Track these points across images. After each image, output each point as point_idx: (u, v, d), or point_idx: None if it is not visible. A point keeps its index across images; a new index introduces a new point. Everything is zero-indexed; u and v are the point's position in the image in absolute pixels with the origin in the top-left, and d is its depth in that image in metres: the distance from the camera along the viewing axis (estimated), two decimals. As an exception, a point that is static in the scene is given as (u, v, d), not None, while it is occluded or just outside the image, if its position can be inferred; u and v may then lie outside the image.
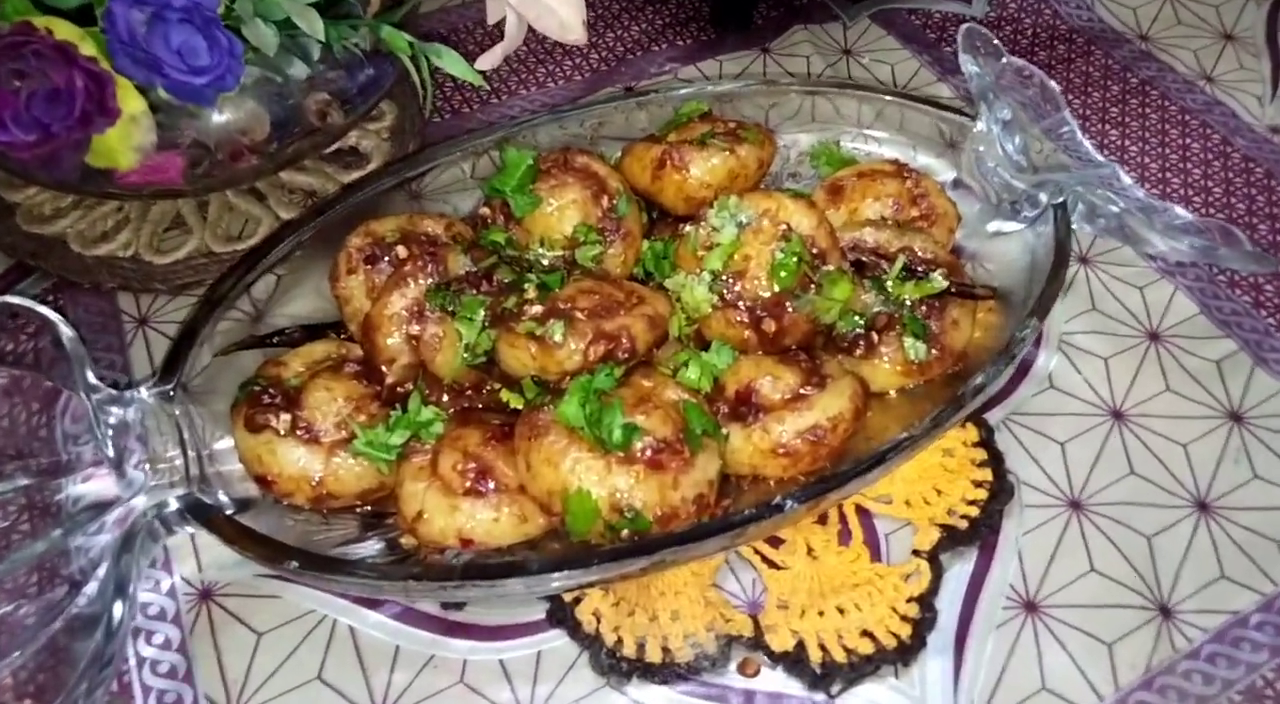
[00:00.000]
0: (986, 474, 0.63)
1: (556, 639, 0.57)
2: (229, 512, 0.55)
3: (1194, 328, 0.72)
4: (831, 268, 0.60)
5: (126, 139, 0.54)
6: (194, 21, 0.54)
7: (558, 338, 0.53)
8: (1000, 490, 0.63)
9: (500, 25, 0.68)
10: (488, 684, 0.55)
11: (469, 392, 0.59)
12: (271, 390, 0.58)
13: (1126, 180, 0.75)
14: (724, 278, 0.59)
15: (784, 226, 0.60)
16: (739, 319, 0.59)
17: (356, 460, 0.56)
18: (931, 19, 0.96)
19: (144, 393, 0.57)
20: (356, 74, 0.71)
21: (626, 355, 0.55)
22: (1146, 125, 0.87)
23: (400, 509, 0.55)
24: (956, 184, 0.75)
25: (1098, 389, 0.69)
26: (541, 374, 0.55)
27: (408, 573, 0.49)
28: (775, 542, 0.61)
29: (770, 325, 0.59)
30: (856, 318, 0.62)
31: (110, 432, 0.57)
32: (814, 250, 0.60)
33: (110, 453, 0.56)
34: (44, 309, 0.58)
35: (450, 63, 0.64)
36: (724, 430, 0.57)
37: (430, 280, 0.58)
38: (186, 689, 0.55)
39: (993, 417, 0.67)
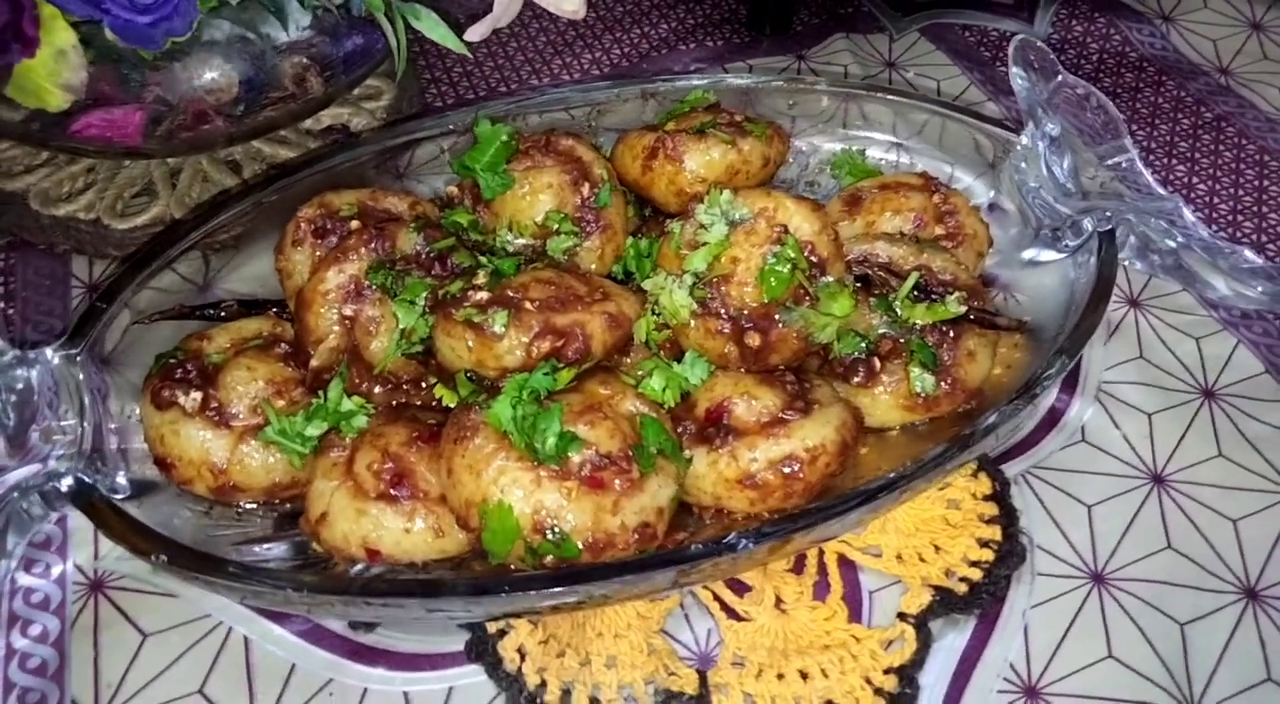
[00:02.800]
0: (995, 533, 0.54)
1: (473, 675, 0.50)
2: (122, 495, 0.49)
3: (1257, 388, 0.63)
4: (831, 280, 0.53)
5: (54, 76, 0.49)
6: (139, -48, 0.48)
7: (498, 328, 0.47)
8: (1009, 553, 0.54)
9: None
10: (387, 720, 0.48)
11: (406, 385, 0.52)
12: (189, 365, 0.52)
13: (1189, 217, 0.66)
14: (707, 282, 0.52)
15: (780, 229, 0.52)
16: (720, 329, 0.52)
17: (268, 450, 0.50)
18: (988, 36, 0.88)
19: (50, 354, 0.51)
20: (342, 41, 0.66)
21: (577, 356, 0.48)
22: (1219, 163, 0.78)
23: (306, 508, 0.48)
24: (993, 207, 0.67)
25: (1137, 448, 0.59)
26: (478, 369, 0.48)
27: (288, 581, 0.42)
28: (740, 588, 0.53)
29: (755, 339, 0.51)
30: (858, 340, 0.54)
31: (12, 396, 0.51)
32: (813, 258, 0.52)
33: (9, 415, 0.50)
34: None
35: (428, 25, 0.58)
36: (687, 453, 0.50)
37: (375, 258, 0.52)
38: (53, 689, 0.49)
39: (1011, 468, 0.58)
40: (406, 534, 0.46)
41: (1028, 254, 0.64)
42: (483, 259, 0.53)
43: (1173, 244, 0.59)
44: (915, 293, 0.55)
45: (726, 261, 0.52)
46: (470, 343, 0.47)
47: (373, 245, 0.52)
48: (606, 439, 0.46)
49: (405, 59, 0.59)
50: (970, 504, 0.56)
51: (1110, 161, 0.67)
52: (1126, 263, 0.61)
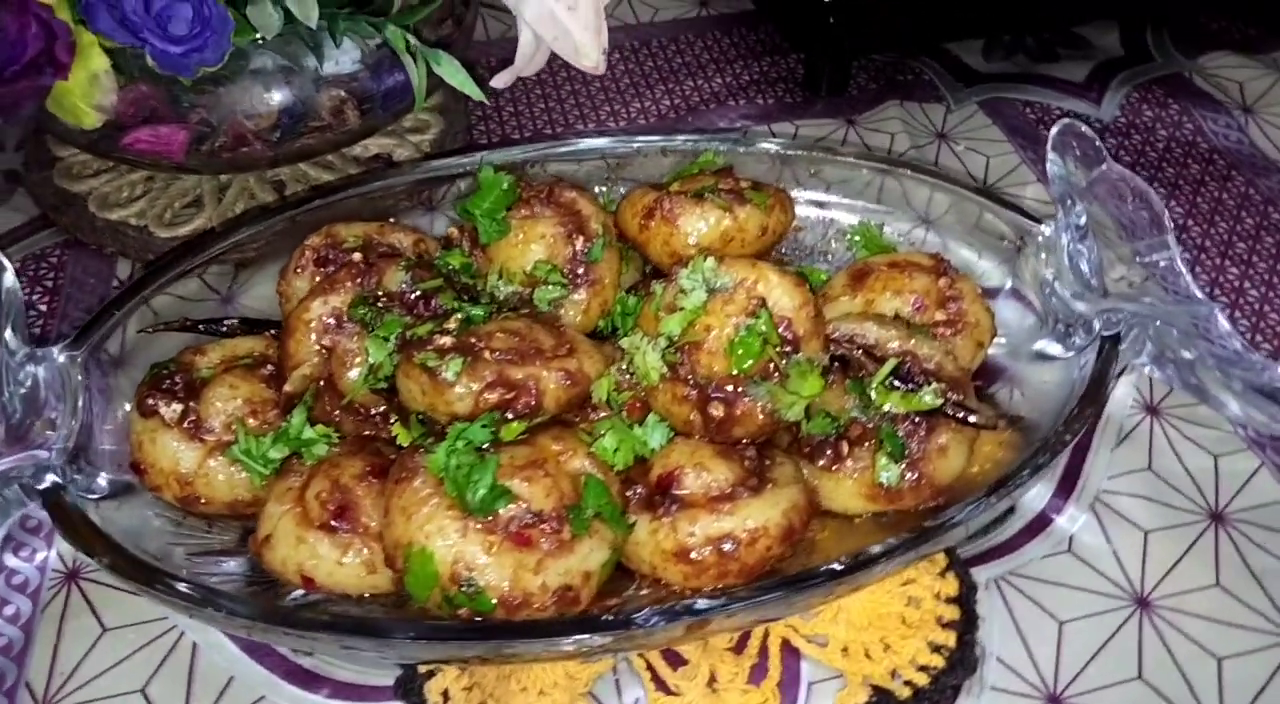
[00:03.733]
0: (950, 639, 0.52)
1: (395, 712, 0.50)
2: (99, 494, 0.52)
3: (1273, 517, 0.58)
4: (803, 358, 0.52)
5: (87, 97, 0.53)
6: (178, -11, 0.52)
7: (449, 375, 0.48)
8: (960, 662, 0.51)
9: (564, 61, 0.64)
10: (306, 745, 0.49)
11: (375, 417, 0.54)
12: (178, 377, 0.54)
13: (1224, 326, 0.62)
14: (680, 346, 0.52)
15: (758, 301, 0.52)
16: (686, 396, 0.52)
17: (233, 466, 0.52)
18: (1049, 115, 0.86)
19: (56, 353, 0.54)
20: (382, 77, 0.68)
21: (527, 410, 0.48)
22: (1277, 269, 0.73)
23: (256, 528, 0.50)
24: (1013, 293, 0.65)
25: (1126, 566, 0.56)
26: (430, 412, 0.49)
27: (205, 599, 0.44)
28: (675, 660, 0.52)
29: (718, 409, 0.51)
30: (829, 421, 0.53)
31: (21, 390, 0.55)
32: (788, 334, 0.52)
33: (11, 405, 0.54)
34: (2, 258, 0.58)
35: (448, 71, 0.60)
36: (632, 518, 0.49)
37: (360, 293, 0.54)
38: (13, 669, 0.52)
39: (985, 571, 0.56)
40: (339, 566, 0.48)
41: (1038, 347, 0.61)
42: (463, 304, 0.54)
43: (1188, 356, 0.56)
44: (893, 379, 0.53)
45: (700, 328, 0.52)
46: (424, 386, 0.48)
47: (360, 280, 0.54)
48: (541, 497, 0.46)
49: (423, 98, 0.61)
50: (931, 604, 0.54)
51: (1147, 259, 0.64)
52: (1146, 369, 0.58)
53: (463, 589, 0.44)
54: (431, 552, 0.44)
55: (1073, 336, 0.59)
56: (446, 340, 0.50)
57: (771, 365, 0.51)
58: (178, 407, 0.53)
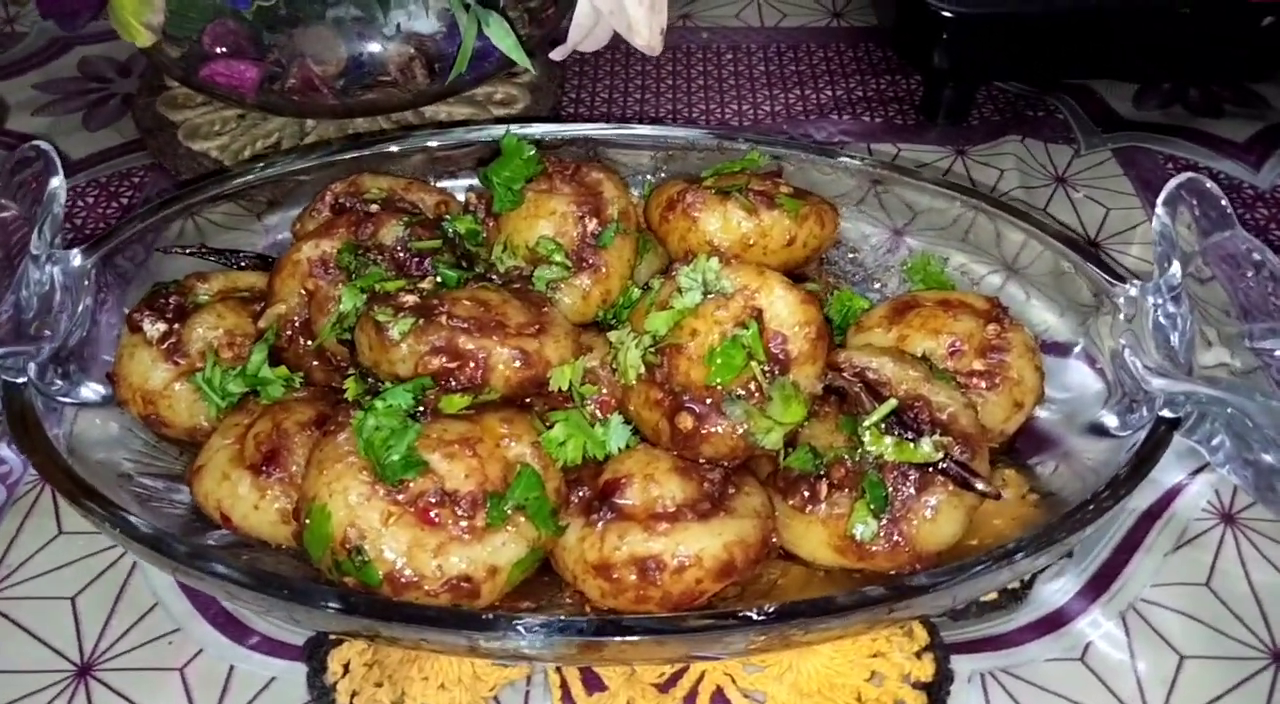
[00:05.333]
0: (905, 727, 0.45)
1: (296, 673, 0.48)
2: (78, 400, 0.53)
3: (1353, 671, 0.48)
4: (790, 381, 0.46)
5: (137, 15, 0.55)
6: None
7: (394, 333, 0.45)
8: (908, 757, 0.44)
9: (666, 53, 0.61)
10: (201, 686, 0.48)
11: (345, 367, 0.52)
12: (174, 298, 0.55)
13: (1338, 435, 0.52)
14: (661, 347, 0.48)
15: (754, 311, 0.47)
16: (658, 400, 0.47)
17: (195, 393, 0.51)
18: (1195, 172, 0.75)
19: (72, 256, 0.56)
20: (459, 40, 0.67)
21: (470, 383, 0.45)
22: None
23: (194, 457, 0.49)
24: (1085, 356, 0.57)
25: (1147, 691, 0.47)
26: (374, 369, 0.47)
27: (116, 522, 0.43)
28: (595, 684, 0.48)
29: (686, 422, 0.46)
30: (811, 456, 0.48)
31: (39, 285, 0.56)
32: (779, 353, 0.47)
33: (28, 302, 0.56)
34: (55, 160, 0.60)
35: (497, 34, 0.58)
36: (565, 521, 0.45)
37: (350, 242, 0.52)
38: (-30, 558, 0.53)
39: (970, 661, 0.48)
40: (254, 510, 0.46)
41: (1096, 418, 0.53)
42: (453, 271, 0.51)
43: (1269, 459, 0.47)
44: (890, 423, 0.47)
45: (685, 331, 0.47)
46: (371, 341, 0.46)
47: (358, 230, 0.53)
48: (460, 476, 0.43)
49: (466, 58, 0.59)
50: (895, 685, 0.47)
51: (1260, 344, 0.55)
52: (1226, 470, 0.49)
53: (351, 556, 0.41)
54: (330, 510, 0.42)
55: (1135, 412, 0.51)
56: (410, 299, 0.48)
57: (754, 384, 0.46)
58: (162, 326, 0.53)
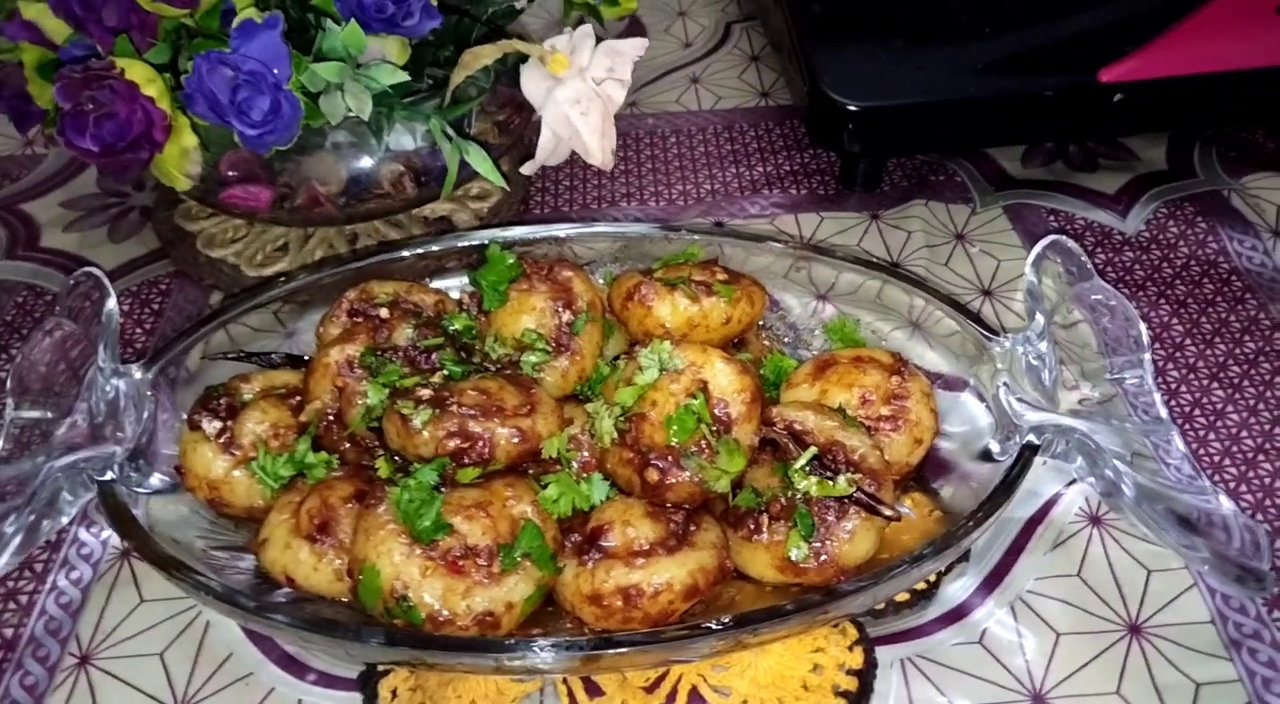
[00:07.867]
0: (840, 706, 0.57)
1: (353, 701, 0.59)
2: (148, 490, 0.64)
3: (1191, 636, 0.61)
4: (732, 438, 0.59)
5: (179, 166, 0.66)
6: (257, 84, 0.64)
7: (417, 423, 0.57)
8: (844, 730, 0.57)
9: (619, 146, 0.73)
10: (276, 718, 0.59)
11: (373, 448, 0.64)
12: (224, 399, 0.66)
13: (1179, 448, 0.66)
14: (629, 416, 0.60)
15: (701, 383, 0.59)
16: (630, 459, 0.59)
17: (252, 478, 0.63)
18: (1072, 224, 0.89)
19: (134, 370, 0.67)
20: (438, 155, 0.79)
21: (479, 459, 0.57)
22: (1266, 395, 0.74)
23: (258, 531, 0.60)
24: (976, 392, 0.70)
25: (1031, 664, 0.60)
26: (402, 452, 0.58)
27: (197, 584, 0.54)
28: (594, 690, 0.59)
29: (653, 475, 0.58)
30: (755, 496, 0.60)
31: (109, 396, 0.67)
32: (723, 416, 0.59)
33: (97, 408, 0.67)
34: (108, 285, 0.71)
35: (476, 160, 0.70)
36: (562, 562, 0.57)
37: (370, 345, 0.64)
38: (69, 622, 0.64)
39: (892, 650, 0.61)
40: (314, 571, 0.57)
41: (985, 447, 0.66)
42: (450, 363, 0.63)
43: (1109, 474, 0.60)
44: (813, 465, 0.59)
45: (648, 402, 0.60)
46: (398, 430, 0.58)
47: (374, 334, 0.65)
48: (478, 533, 0.55)
49: (452, 183, 0.71)
50: (832, 673, 0.59)
51: (1118, 376, 0.68)
52: (1086, 482, 0.62)
53: (399, 603, 0.53)
54: (379, 568, 0.54)
55: (1012, 440, 0.63)
56: (425, 392, 0.59)
57: (704, 442, 0.58)
58: (218, 424, 0.64)
